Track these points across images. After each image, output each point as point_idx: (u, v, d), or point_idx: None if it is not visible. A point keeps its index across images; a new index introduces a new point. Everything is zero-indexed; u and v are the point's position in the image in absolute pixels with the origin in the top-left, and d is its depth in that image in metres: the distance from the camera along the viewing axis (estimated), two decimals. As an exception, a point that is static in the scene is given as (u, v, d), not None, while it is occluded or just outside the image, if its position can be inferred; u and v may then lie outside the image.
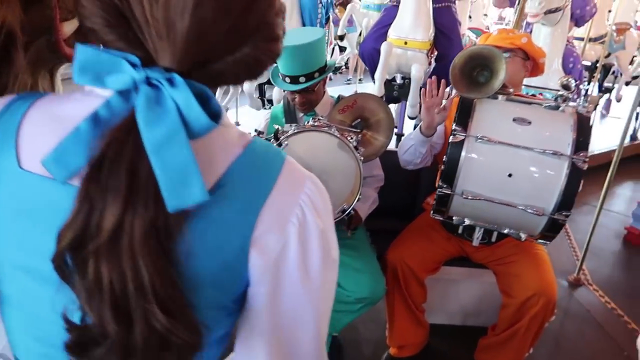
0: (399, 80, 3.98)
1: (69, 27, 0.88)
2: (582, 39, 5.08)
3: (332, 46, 5.85)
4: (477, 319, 2.64)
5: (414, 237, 2.30)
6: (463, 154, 1.82)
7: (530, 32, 3.42)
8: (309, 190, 0.65)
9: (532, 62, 2.23)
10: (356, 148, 1.98)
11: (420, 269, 2.22)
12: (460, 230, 2.19)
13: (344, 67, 8.12)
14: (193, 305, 0.55)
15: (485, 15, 7.95)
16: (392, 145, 2.49)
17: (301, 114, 2.31)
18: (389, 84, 3.89)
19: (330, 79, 7.76)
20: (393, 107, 4.56)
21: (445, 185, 1.86)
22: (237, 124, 5.24)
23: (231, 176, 0.60)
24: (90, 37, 0.55)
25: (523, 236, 1.91)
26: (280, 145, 1.92)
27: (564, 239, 3.88)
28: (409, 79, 3.63)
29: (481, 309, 2.63)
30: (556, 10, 3.04)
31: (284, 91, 2.36)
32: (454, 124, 1.85)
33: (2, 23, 0.74)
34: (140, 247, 0.51)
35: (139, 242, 0.51)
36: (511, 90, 2.01)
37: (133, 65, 0.51)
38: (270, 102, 3.97)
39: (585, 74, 5.20)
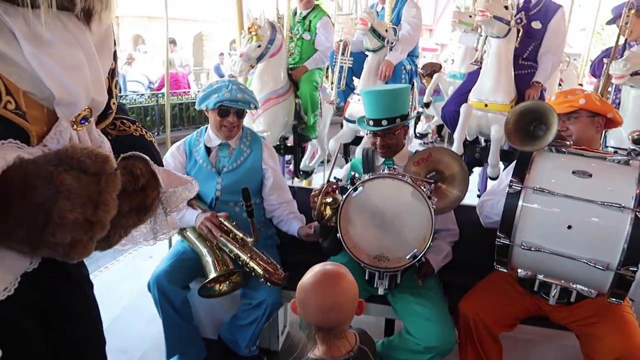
0: (482, 143, 4.04)
1: None
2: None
3: (415, 112, 6.03)
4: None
5: (487, 290, 2.28)
6: (520, 204, 1.85)
7: (619, 95, 3.37)
8: None
9: (602, 118, 2.23)
10: (429, 197, 2.07)
11: (494, 322, 2.18)
12: (535, 288, 2.15)
13: (430, 134, 8.27)
14: None
15: (580, 84, 7.78)
16: (468, 201, 2.54)
17: (379, 163, 2.45)
18: (471, 146, 3.95)
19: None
20: (477, 170, 4.57)
21: (503, 236, 1.89)
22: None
23: None
24: None
25: (593, 292, 1.85)
26: (355, 190, 2.07)
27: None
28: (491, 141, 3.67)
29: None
30: (643, 72, 2.99)
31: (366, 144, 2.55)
32: (511, 176, 1.90)
33: None
34: None
35: None
36: (568, 143, 2.02)
37: None
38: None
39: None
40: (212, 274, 2.33)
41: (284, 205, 2.65)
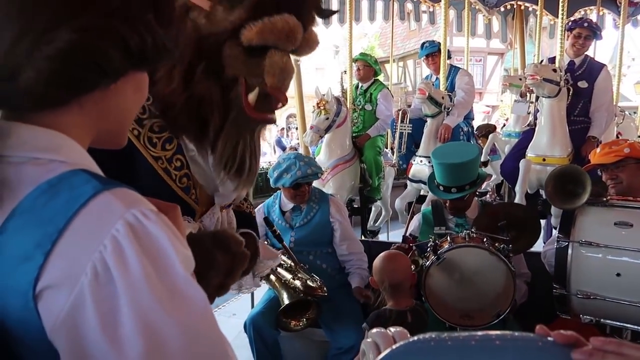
0: (543, 196, 4.20)
1: (252, 97, 1.11)
2: None
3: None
4: None
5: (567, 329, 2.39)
6: (569, 258, 2.03)
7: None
8: (122, 228, 0.52)
9: None
10: (507, 256, 2.16)
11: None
12: (607, 331, 2.23)
13: (489, 192, 8.35)
14: None
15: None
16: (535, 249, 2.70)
17: (450, 216, 2.69)
18: (533, 199, 4.12)
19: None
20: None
21: (558, 287, 2.06)
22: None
23: (24, 206, 0.52)
24: None
25: None
26: (439, 258, 2.18)
27: None
28: (552, 193, 3.84)
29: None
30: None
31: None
32: (558, 232, 2.09)
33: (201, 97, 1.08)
34: None
35: None
36: (605, 199, 2.15)
37: None
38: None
39: None
40: (285, 302, 2.53)
41: (354, 257, 2.93)
